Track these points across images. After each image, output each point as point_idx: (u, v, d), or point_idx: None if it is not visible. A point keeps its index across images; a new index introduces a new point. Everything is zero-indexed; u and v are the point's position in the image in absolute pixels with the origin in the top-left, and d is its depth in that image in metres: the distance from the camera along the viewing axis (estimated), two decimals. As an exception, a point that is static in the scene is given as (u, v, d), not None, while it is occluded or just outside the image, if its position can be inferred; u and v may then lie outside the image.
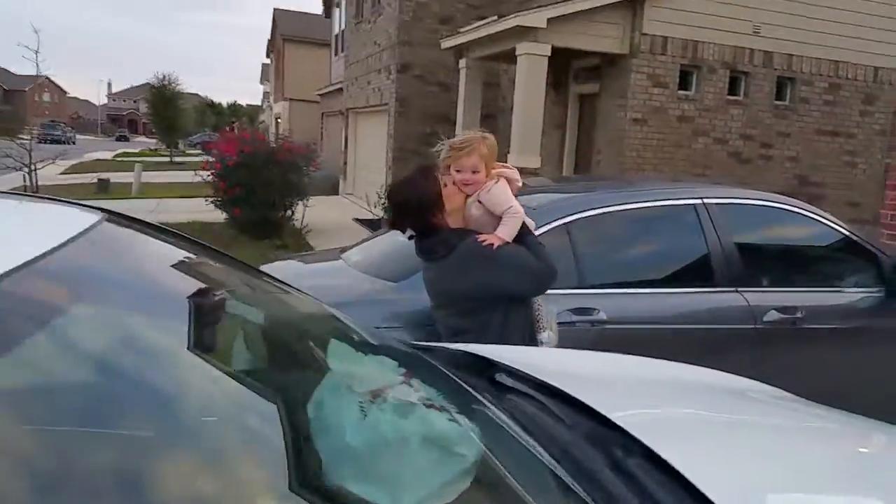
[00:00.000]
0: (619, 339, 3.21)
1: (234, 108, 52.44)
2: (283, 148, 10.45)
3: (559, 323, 3.11)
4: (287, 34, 36.32)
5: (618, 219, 3.46)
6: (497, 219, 2.62)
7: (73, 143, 62.37)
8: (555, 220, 3.29)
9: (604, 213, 3.41)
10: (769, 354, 3.41)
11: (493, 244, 2.55)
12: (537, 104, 9.74)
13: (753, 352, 3.40)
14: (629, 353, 3.17)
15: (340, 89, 19.77)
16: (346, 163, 18.91)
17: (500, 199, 2.61)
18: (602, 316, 3.18)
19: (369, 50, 16.13)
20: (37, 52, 10.05)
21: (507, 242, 2.58)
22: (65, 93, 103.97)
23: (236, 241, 10.04)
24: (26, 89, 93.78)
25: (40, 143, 58.84)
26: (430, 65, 13.90)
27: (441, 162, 2.66)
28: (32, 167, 9.41)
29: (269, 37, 42.13)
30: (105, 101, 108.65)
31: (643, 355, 3.18)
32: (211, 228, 11.25)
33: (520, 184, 2.75)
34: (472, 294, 2.57)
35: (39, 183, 20.81)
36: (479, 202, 2.63)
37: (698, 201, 3.55)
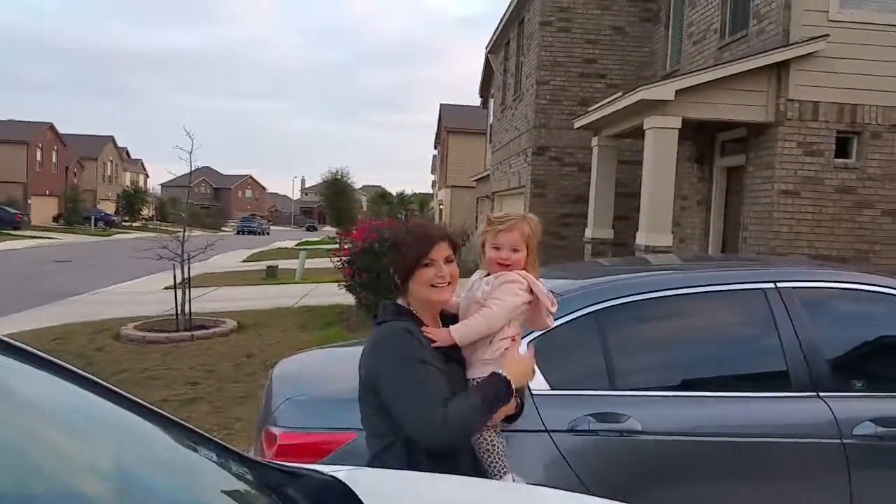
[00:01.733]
0: (656, 453, 2.63)
1: (403, 197, 55.20)
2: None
3: (577, 431, 2.60)
4: (450, 126, 38.02)
5: (661, 307, 2.91)
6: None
7: (267, 233, 68.51)
8: (582, 309, 2.81)
9: (643, 300, 2.88)
10: (860, 478, 2.62)
11: (431, 339, 2.14)
12: (667, 179, 9.09)
13: (837, 474, 2.63)
14: (668, 471, 2.59)
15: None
16: (492, 246, 18.88)
17: (505, 289, 2.19)
18: (634, 424, 2.61)
19: (511, 135, 16.24)
20: (190, 152, 10.81)
21: (452, 346, 2.17)
22: (264, 189, 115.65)
23: (366, 324, 10.20)
24: (231, 187, 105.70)
25: (238, 234, 66.07)
26: (568, 146, 13.67)
27: (477, 238, 2.35)
28: (186, 257, 10.18)
29: (436, 130, 44.39)
30: (298, 195, 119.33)
31: (686, 475, 2.58)
32: (349, 311, 11.70)
33: (550, 322, 2.31)
34: (373, 391, 2.13)
35: (224, 269, 22.95)
36: (489, 282, 2.25)
37: (769, 286, 2.89)
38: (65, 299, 15.72)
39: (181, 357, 9.09)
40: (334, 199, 38.61)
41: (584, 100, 13.38)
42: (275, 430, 2.68)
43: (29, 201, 50.05)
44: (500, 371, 2.13)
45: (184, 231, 11.04)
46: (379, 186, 73.42)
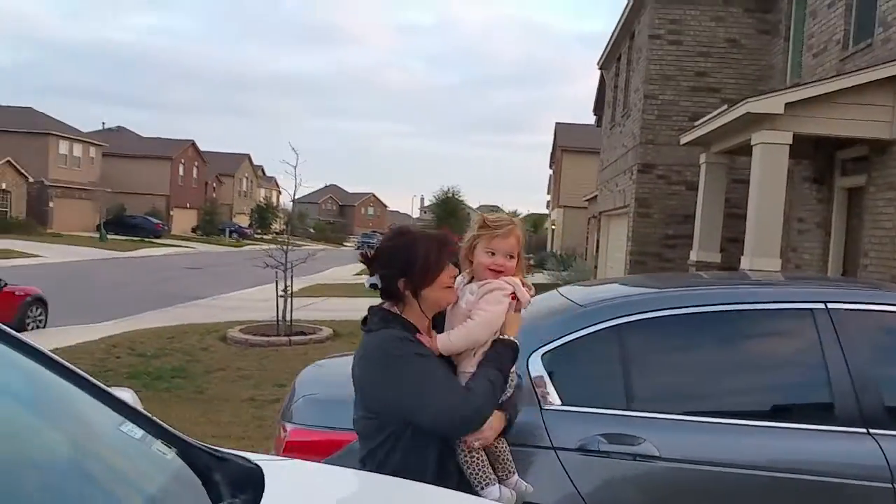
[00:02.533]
0: (671, 482, 2.41)
1: (515, 216, 55.15)
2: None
3: (587, 451, 2.44)
4: (564, 145, 37.61)
5: (692, 325, 2.68)
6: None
7: (385, 249, 70.25)
8: (603, 322, 2.65)
9: (672, 315, 2.66)
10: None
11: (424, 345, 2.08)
12: (776, 199, 8.51)
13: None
14: (682, 503, 2.36)
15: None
16: (596, 267, 18.42)
17: (490, 298, 2.10)
18: (649, 448, 2.41)
19: (618, 152, 15.83)
20: (295, 166, 11.31)
21: (439, 355, 2.09)
22: (385, 207, 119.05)
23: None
24: (355, 204, 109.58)
25: (358, 249, 68.30)
26: (676, 164, 13.11)
27: (465, 241, 2.22)
28: (289, 267, 10.64)
29: (551, 149, 44.08)
30: (417, 213, 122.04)
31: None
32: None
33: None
34: (368, 396, 2.09)
35: (336, 281, 23.82)
36: (472, 291, 2.17)
37: (819, 306, 2.59)
38: (188, 302, 16.84)
39: (276, 360, 9.46)
40: (446, 217, 39.19)
41: (694, 115, 12.81)
42: (287, 426, 2.71)
43: (171, 213, 54.23)
44: (504, 335, 2.13)
45: (287, 243, 11.56)
46: (496, 206, 73.80)
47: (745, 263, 8.64)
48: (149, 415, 1.57)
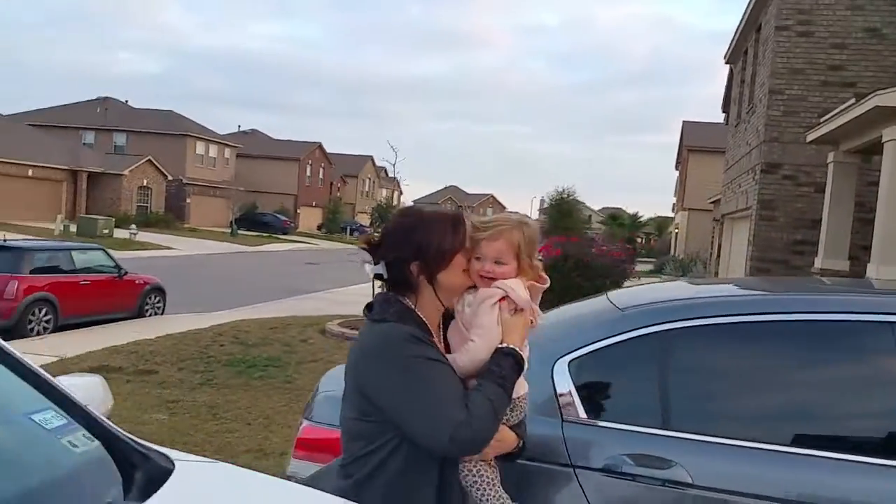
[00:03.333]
0: (707, 516, 2.07)
1: (636, 218, 53.04)
2: (596, 253, 10.02)
3: (610, 472, 2.16)
4: (691, 144, 35.91)
5: (746, 335, 2.30)
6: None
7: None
8: (643, 328, 2.33)
9: (724, 324, 2.30)
10: None
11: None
12: (911, 201, 7.58)
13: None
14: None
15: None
16: (716, 273, 17.35)
17: (482, 311, 1.87)
18: (681, 474, 2.09)
19: (742, 150, 14.82)
20: (394, 164, 11.38)
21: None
22: (504, 208, 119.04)
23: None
24: (474, 205, 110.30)
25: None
26: (805, 164, 12.07)
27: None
28: None
29: (677, 149, 42.24)
30: (536, 215, 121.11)
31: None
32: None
33: (533, 322, 1.95)
34: (366, 396, 1.85)
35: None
36: (468, 302, 1.92)
37: (901, 319, 2.15)
38: (301, 295, 17.48)
39: (369, 355, 9.52)
40: (560, 218, 38.30)
41: (826, 111, 11.74)
42: (303, 423, 2.61)
43: (297, 211, 56.89)
44: (503, 345, 1.88)
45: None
46: (618, 209, 71.63)
47: (871, 272, 7.78)
48: (83, 405, 1.50)
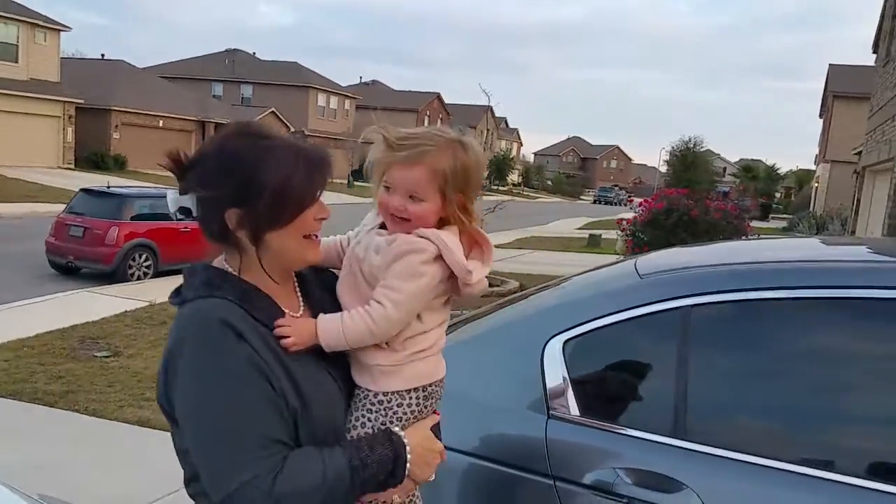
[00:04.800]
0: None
1: (773, 171, 49.17)
2: (705, 206, 9.01)
3: (599, 491, 1.64)
4: (837, 90, 32.48)
5: (796, 318, 1.67)
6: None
7: (624, 204, 67.94)
8: (662, 301, 1.75)
9: (770, 299, 1.67)
10: None
11: (285, 338, 1.30)
12: None
13: None
14: None
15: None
16: (853, 232, 15.57)
17: (400, 268, 1.35)
18: (691, 500, 1.54)
19: (889, 94, 12.98)
20: (489, 108, 10.84)
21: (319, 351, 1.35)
22: (630, 160, 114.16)
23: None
24: (598, 157, 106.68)
25: (594, 202, 66.78)
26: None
27: (371, 161, 1.43)
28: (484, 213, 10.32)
29: (822, 96, 38.45)
30: (664, 168, 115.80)
31: None
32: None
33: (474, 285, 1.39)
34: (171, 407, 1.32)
35: (554, 234, 23.18)
36: (380, 247, 1.40)
37: None
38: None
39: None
40: (683, 170, 36.10)
41: None
42: None
43: (414, 162, 57.18)
44: (400, 433, 1.34)
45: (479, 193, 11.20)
46: (757, 160, 66.65)
47: None
48: None
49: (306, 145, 1.38)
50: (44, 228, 11.34)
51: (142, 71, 41.38)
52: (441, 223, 1.39)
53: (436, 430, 1.44)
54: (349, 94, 52.21)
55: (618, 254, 14.83)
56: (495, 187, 64.08)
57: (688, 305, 1.73)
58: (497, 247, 16.68)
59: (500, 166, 67.99)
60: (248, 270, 1.34)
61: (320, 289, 1.48)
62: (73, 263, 10.63)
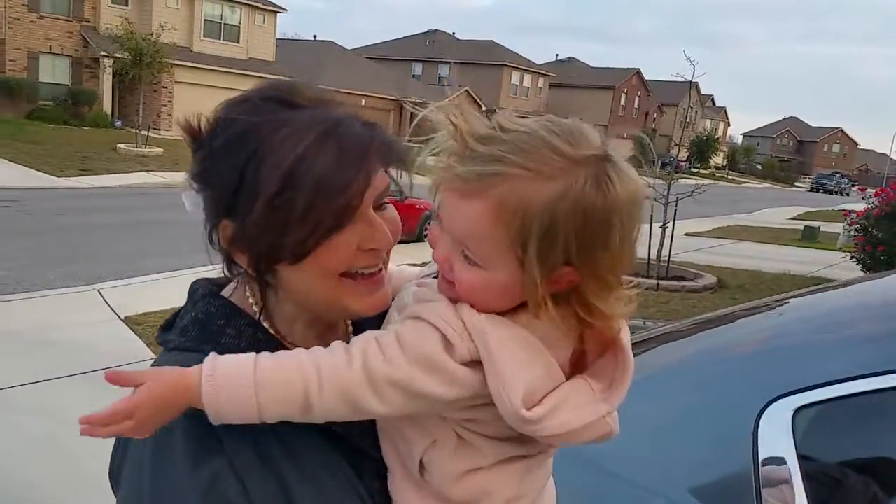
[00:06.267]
0: None
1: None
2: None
3: None
4: None
5: None
6: None
7: (847, 194, 60.72)
8: None
9: None
10: None
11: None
12: None
13: None
14: None
15: None
16: None
17: (403, 334, 0.76)
18: None
19: None
20: (691, 81, 9.71)
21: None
22: (856, 145, 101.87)
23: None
24: (817, 140, 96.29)
25: (811, 190, 60.22)
26: None
27: (423, 164, 0.83)
28: (674, 201, 9.36)
29: None
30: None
31: None
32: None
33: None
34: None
35: (762, 224, 20.91)
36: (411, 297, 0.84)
37: None
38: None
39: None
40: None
41: None
42: None
43: (608, 142, 55.38)
44: None
45: (671, 176, 10.19)
46: None
47: None
48: None
49: (350, 118, 0.81)
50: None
51: (349, 52, 43.61)
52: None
53: None
54: (543, 72, 51.41)
55: (841, 250, 12.85)
56: (695, 170, 60.17)
57: None
58: (694, 235, 15.44)
59: (701, 147, 63.61)
60: (274, 311, 0.85)
61: None
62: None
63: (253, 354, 0.75)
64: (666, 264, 9.61)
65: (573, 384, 0.77)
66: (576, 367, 0.80)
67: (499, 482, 0.80)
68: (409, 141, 0.86)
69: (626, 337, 0.80)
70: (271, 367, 0.73)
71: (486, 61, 46.67)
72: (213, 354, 0.75)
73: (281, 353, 0.76)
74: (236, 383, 0.72)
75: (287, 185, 0.74)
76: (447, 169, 0.76)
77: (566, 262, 0.72)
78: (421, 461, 0.80)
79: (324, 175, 0.75)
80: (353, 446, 0.82)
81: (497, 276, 0.74)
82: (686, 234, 14.53)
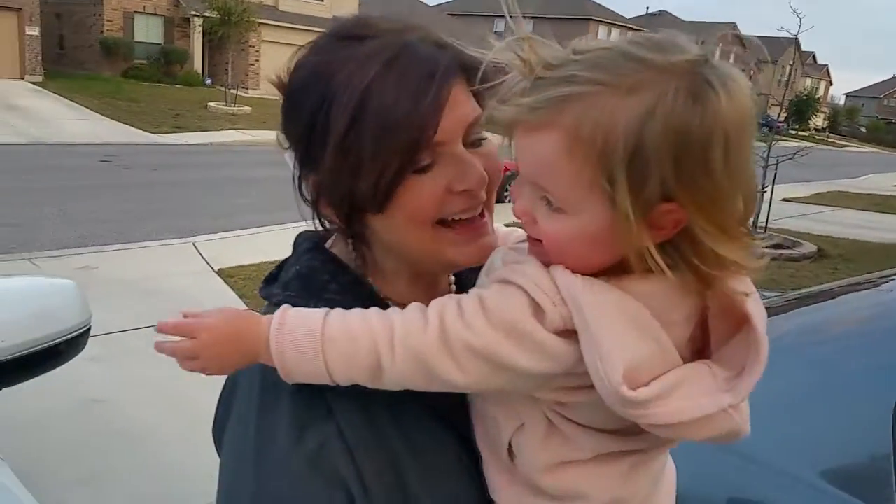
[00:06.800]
0: None
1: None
2: None
3: None
4: None
5: None
6: None
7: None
8: None
9: None
10: None
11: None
12: None
13: None
14: None
15: None
16: None
17: (491, 303, 0.65)
18: None
19: None
20: (796, 36, 9.07)
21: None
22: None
23: None
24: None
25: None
26: None
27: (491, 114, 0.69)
28: (774, 163, 8.86)
29: None
30: None
31: None
32: None
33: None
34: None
35: (871, 191, 19.57)
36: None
37: None
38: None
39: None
40: None
41: None
42: None
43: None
44: None
45: (771, 137, 9.62)
46: None
47: None
48: None
49: (421, 40, 0.73)
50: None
51: (432, 8, 43.25)
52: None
53: None
54: (631, 26, 49.57)
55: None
56: (793, 132, 57.14)
57: None
58: (791, 200, 14.61)
59: (801, 108, 60.16)
60: (373, 268, 0.79)
61: None
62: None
63: (325, 309, 0.68)
64: (763, 230, 9.15)
65: (691, 367, 0.65)
66: (698, 354, 0.68)
67: (596, 480, 0.70)
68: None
69: (758, 313, 0.65)
70: (341, 322, 0.66)
71: (572, 15, 45.39)
72: (285, 305, 0.68)
73: (354, 310, 0.68)
74: (303, 337, 0.65)
75: (352, 124, 0.68)
76: (511, 107, 0.64)
77: (665, 196, 0.59)
78: (510, 445, 0.72)
79: (386, 107, 0.67)
80: (452, 422, 0.75)
81: (586, 221, 0.63)
82: (783, 200, 13.80)
